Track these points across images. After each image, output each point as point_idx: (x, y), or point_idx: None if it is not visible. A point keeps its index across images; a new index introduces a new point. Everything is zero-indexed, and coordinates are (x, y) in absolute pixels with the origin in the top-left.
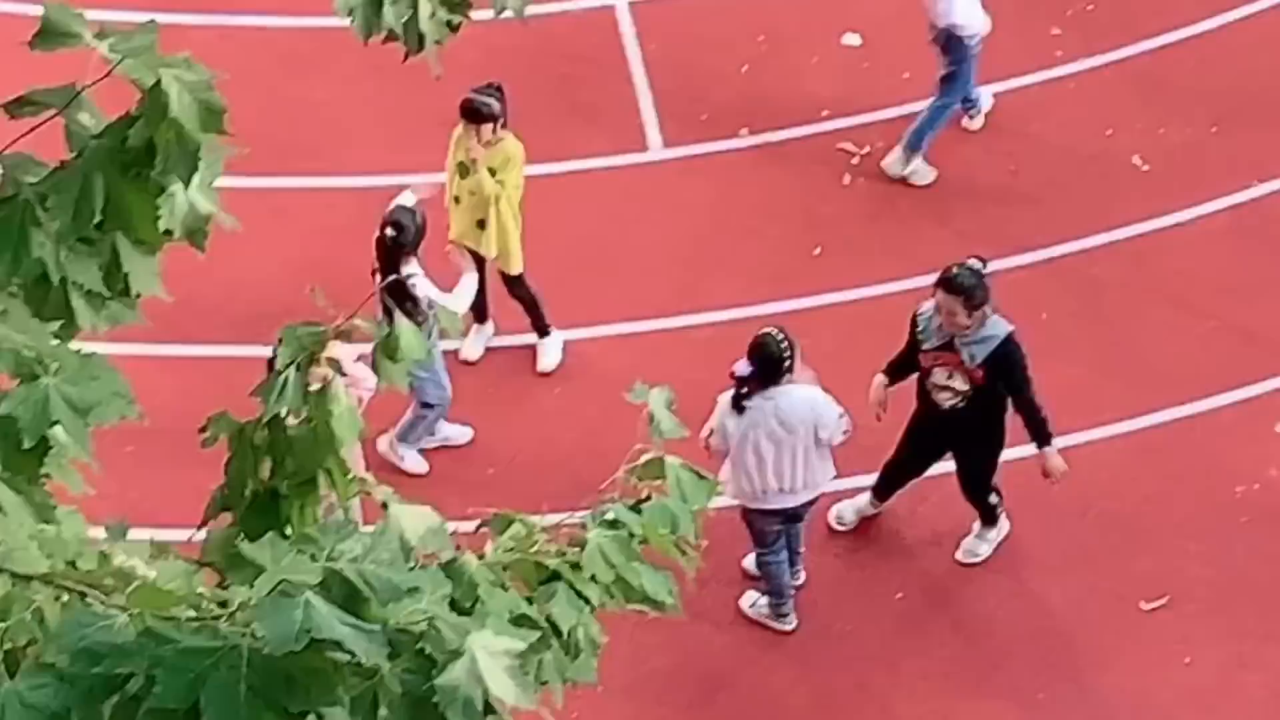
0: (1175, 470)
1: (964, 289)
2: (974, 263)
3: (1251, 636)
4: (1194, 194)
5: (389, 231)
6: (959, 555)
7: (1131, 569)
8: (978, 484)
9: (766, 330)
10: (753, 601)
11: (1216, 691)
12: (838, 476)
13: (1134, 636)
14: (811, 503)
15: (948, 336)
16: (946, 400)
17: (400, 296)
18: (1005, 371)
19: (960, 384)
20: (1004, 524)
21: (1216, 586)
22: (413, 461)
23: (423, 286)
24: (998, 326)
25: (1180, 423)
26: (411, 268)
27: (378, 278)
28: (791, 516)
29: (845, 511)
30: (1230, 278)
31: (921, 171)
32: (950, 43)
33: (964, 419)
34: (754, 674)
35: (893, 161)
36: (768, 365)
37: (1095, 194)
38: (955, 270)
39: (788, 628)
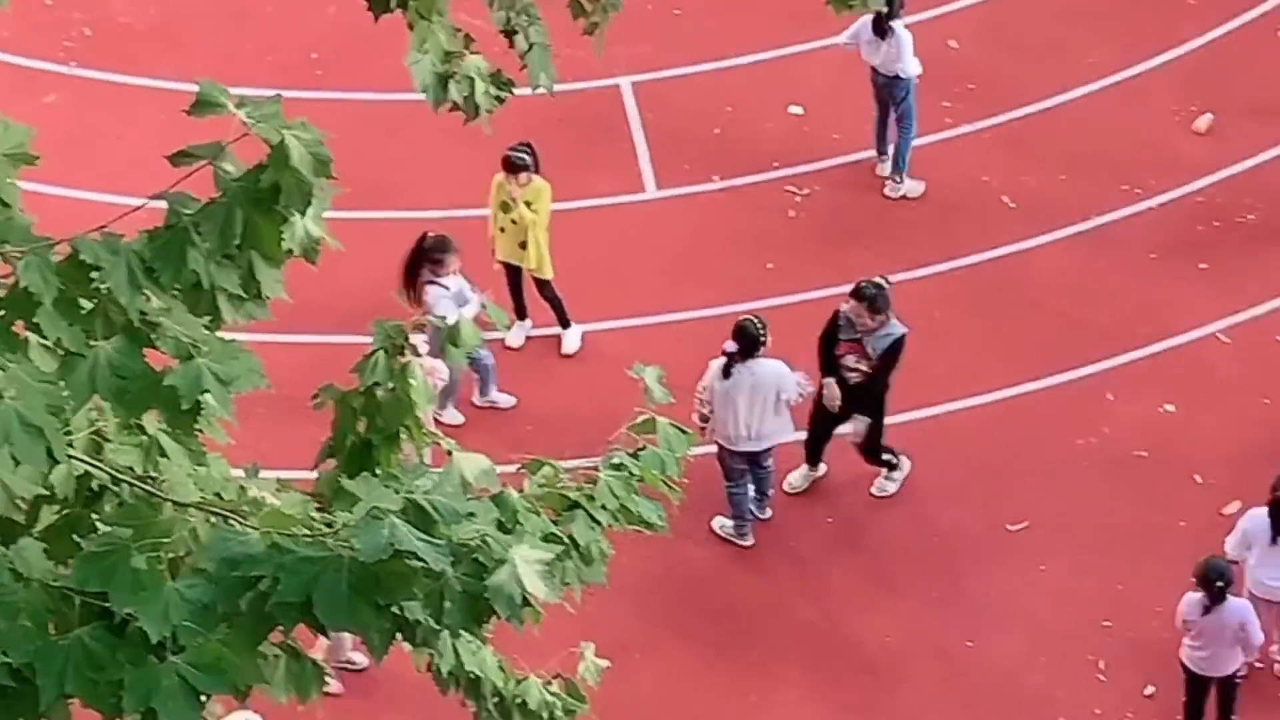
0: (1033, 427)
1: (866, 298)
2: (879, 279)
3: (1089, 550)
4: (1047, 224)
5: (425, 237)
6: (873, 491)
7: (1002, 500)
8: (873, 450)
9: (747, 317)
10: (721, 524)
11: (1063, 590)
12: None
13: (1003, 550)
14: (768, 450)
15: (858, 333)
16: (853, 378)
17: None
18: (886, 359)
19: (864, 366)
20: (906, 465)
21: (1064, 513)
22: (450, 415)
23: (434, 293)
24: (896, 329)
25: (1037, 392)
26: (434, 277)
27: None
28: (751, 459)
29: (794, 478)
30: (1072, 286)
31: (913, 188)
32: (895, 86)
33: (861, 390)
34: (721, 578)
35: (889, 190)
36: (748, 343)
37: (975, 224)
38: (862, 284)
39: (747, 544)
